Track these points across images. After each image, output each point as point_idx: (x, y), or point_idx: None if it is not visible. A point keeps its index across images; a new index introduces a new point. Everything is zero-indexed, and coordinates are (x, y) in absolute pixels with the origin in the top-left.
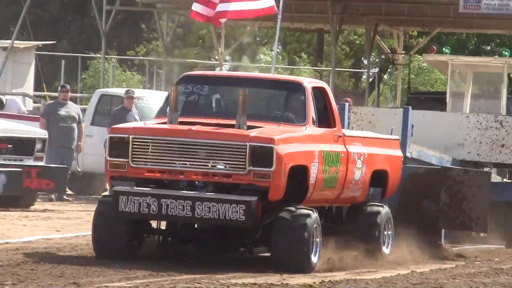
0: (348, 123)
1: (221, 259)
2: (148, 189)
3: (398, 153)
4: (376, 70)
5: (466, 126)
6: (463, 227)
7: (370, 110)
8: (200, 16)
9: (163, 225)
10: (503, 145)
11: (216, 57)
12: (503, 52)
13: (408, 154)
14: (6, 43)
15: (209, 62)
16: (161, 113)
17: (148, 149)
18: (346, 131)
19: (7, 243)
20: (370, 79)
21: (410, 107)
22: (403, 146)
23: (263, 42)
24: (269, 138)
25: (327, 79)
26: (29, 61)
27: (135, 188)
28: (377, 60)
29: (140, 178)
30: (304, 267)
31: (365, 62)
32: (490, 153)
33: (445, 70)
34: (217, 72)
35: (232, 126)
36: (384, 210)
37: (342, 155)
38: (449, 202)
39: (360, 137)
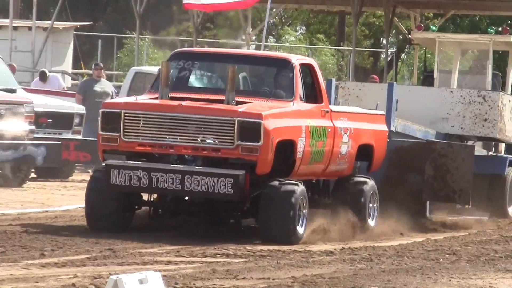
0: (335, 98)
1: (212, 231)
2: (139, 162)
3: (384, 127)
4: (394, 50)
5: (450, 101)
6: (447, 199)
7: (358, 85)
8: (194, 5)
9: (153, 197)
10: (485, 119)
11: (244, 37)
12: (489, 29)
13: (393, 128)
14: (46, 23)
15: (237, 41)
16: (152, 88)
17: (139, 123)
18: (333, 107)
19: (46, 211)
20: (388, 58)
21: (395, 83)
22: (388, 120)
23: (288, 23)
24: (257, 113)
25: (348, 58)
26: (68, 41)
27: (126, 161)
28: (395, 40)
29: (131, 152)
30: (291, 237)
31: (384, 42)
32: (473, 127)
33: (433, 47)
34: (207, 49)
35: (221, 101)
36: (370, 183)
37: (329, 130)
38: (434, 175)
39: (347, 112)
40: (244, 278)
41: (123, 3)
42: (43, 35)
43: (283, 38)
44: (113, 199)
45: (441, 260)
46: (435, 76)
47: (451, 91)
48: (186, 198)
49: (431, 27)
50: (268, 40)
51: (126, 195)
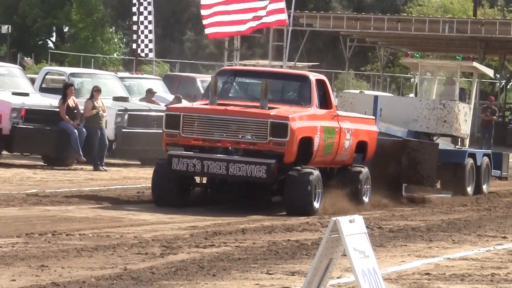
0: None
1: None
2: (193, 153)
3: (374, 128)
4: (504, 81)
5: (419, 107)
6: (417, 183)
7: (351, 95)
8: (217, 34)
9: (204, 180)
10: (445, 121)
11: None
12: (457, 57)
13: (378, 130)
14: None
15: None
16: (204, 97)
17: (194, 123)
18: (339, 112)
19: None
20: (501, 86)
21: (379, 95)
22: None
23: None
24: (285, 116)
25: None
26: None
27: (184, 152)
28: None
29: (188, 145)
30: (308, 210)
31: (498, 75)
32: (436, 126)
33: (417, 69)
34: (245, 67)
35: (257, 107)
36: (364, 170)
37: (337, 129)
38: (408, 165)
39: (349, 116)
40: (411, 220)
41: (337, 51)
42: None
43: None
44: (173, 181)
45: None
46: (417, 89)
47: (420, 100)
48: (228, 181)
49: (415, 54)
50: None
51: (183, 178)
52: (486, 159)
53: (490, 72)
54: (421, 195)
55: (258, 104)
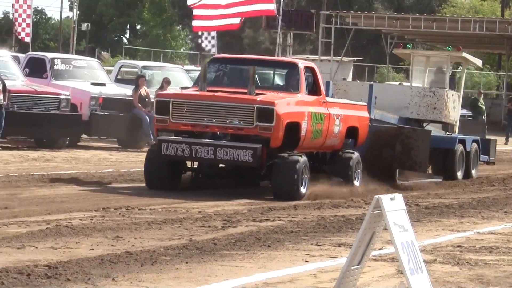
0: (332, 94)
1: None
2: (182, 138)
3: (366, 114)
4: None
5: (410, 94)
6: (410, 168)
7: (345, 83)
8: (203, 28)
9: (196, 165)
10: (435, 108)
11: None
12: (447, 48)
13: (372, 116)
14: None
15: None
16: (195, 84)
17: (184, 109)
18: (329, 99)
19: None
20: None
21: (374, 84)
22: (368, 111)
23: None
24: (271, 101)
25: (503, 79)
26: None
27: (173, 137)
28: None
29: (177, 130)
30: (295, 195)
31: None
32: (426, 113)
33: (409, 59)
34: (236, 55)
35: (245, 93)
36: (355, 155)
37: (325, 115)
38: (402, 151)
39: (339, 103)
40: (444, 198)
41: (379, 47)
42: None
43: None
44: (164, 166)
45: None
46: (410, 78)
47: (411, 88)
48: (219, 166)
49: (408, 45)
50: None
51: (174, 163)
52: (475, 145)
53: (478, 62)
54: (413, 179)
55: (246, 91)
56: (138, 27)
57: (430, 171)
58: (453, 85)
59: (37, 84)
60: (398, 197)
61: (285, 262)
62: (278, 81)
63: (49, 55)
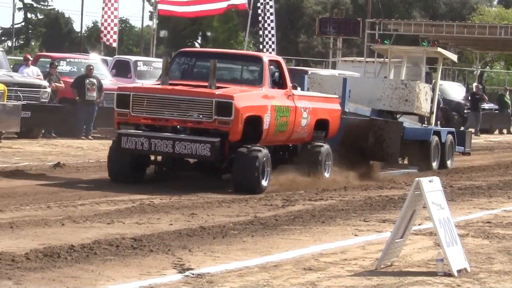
0: (308, 88)
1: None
2: (141, 131)
3: (337, 107)
4: None
5: (383, 86)
6: (382, 160)
7: (319, 76)
8: (169, 12)
9: (159, 158)
10: (406, 100)
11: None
12: (423, 43)
13: (346, 109)
14: None
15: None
16: (160, 78)
17: (144, 102)
18: (295, 92)
19: None
20: None
21: (347, 78)
22: (342, 104)
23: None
24: (229, 95)
25: None
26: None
27: (132, 130)
28: None
29: (138, 124)
30: (255, 188)
31: None
32: (398, 105)
33: (387, 54)
34: (202, 49)
35: (207, 87)
36: (325, 147)
37: (291, 108)
38: (374, 142)
39: (306, 96)
40: (475, 180)
41: None
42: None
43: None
44: (126, 158)
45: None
46: (388, 72)
47: (383, 80)
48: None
49: (385, 41)
50: None
51: (138, 156)
52: (450, 136)
53: (454, 57)
54: (389, 170)
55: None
56: (209, 33)
57: (406, 161)
58: (429, 79)
59: (122, 83)
60: (436, 179)
61: (337, 236)
62: (245, 75)
63: (133, 58)
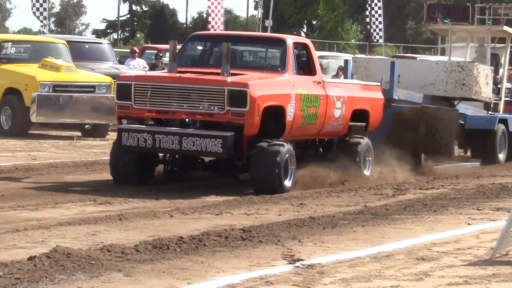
0: (352, 74)
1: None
2: (144, 126)
3: (379, 95)
4: None
5: (436, 70)
6: (435, 152)
7: (366, 59)
8: None
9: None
10: (463, 84)
11: None
12: (487, 21)
13: (395, 97)
14: None
15: None
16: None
17: (147, 93)
18: (327, 79)
19: None
20: None
21: (396, 61)
22: (391, 91)
23: None
24: (243, 82)
25: None
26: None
27: (134, 125)
28: None
29: (141, 118)
30: (276, 188)
31: None
32: (454, 90)
33: (447, 35)
34: (217, 32)
35: (218, 74)
36: (364, 141)
37: (321, 97)
38: (426, 133)
39: (340, 83)
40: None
41: None
42: None
43: None
44: (133, 157)
45: None
46: (449, 54)
47: (437, 63)
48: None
49: (445, 20)
50: None
51: (144, 155)
52: None
53: None
54: (445, 164)
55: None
56: (314, 22)
57: (469, 154)
58: (494, 61)
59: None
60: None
61: (449, 225)
62: (266, 60)
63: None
